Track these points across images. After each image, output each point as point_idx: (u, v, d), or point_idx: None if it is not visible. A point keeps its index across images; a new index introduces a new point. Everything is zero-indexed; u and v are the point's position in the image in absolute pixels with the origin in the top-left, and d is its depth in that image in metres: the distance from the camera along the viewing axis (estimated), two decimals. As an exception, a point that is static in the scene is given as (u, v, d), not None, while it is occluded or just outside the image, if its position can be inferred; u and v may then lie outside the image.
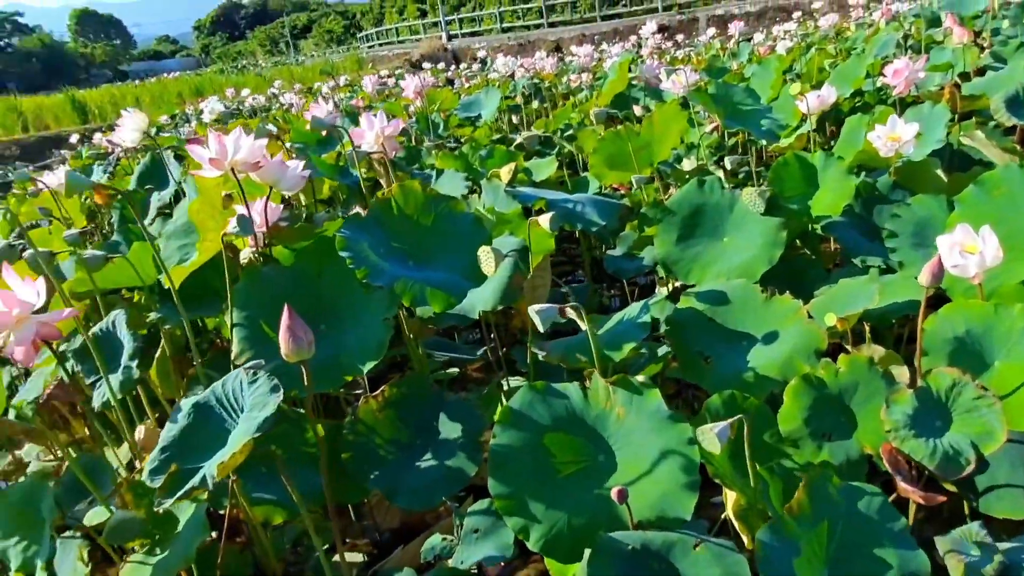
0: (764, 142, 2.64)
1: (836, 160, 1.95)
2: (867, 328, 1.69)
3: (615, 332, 1.57)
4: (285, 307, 1.04)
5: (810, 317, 1.52)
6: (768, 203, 1.89)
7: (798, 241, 2.16)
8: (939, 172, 2.02)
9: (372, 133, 2.22)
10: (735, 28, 6.45)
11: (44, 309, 1.12)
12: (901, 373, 1.36)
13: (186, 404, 1.09)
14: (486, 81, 6.74)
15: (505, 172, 2.40)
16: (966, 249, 1.33)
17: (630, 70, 3.53)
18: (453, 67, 15.33)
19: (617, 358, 1.46)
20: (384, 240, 1.61)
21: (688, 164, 2.77)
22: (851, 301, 1.61)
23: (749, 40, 6.94)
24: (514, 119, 5.11)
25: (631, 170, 2.45)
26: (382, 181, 2.35)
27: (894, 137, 1.93)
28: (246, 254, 1.82)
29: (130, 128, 2.66)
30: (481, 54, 13.49)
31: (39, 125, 22.76)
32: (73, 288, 1.80)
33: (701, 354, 1.58)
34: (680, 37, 12.97)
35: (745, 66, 4.63)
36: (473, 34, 25.46)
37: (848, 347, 1.53)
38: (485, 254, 1.48)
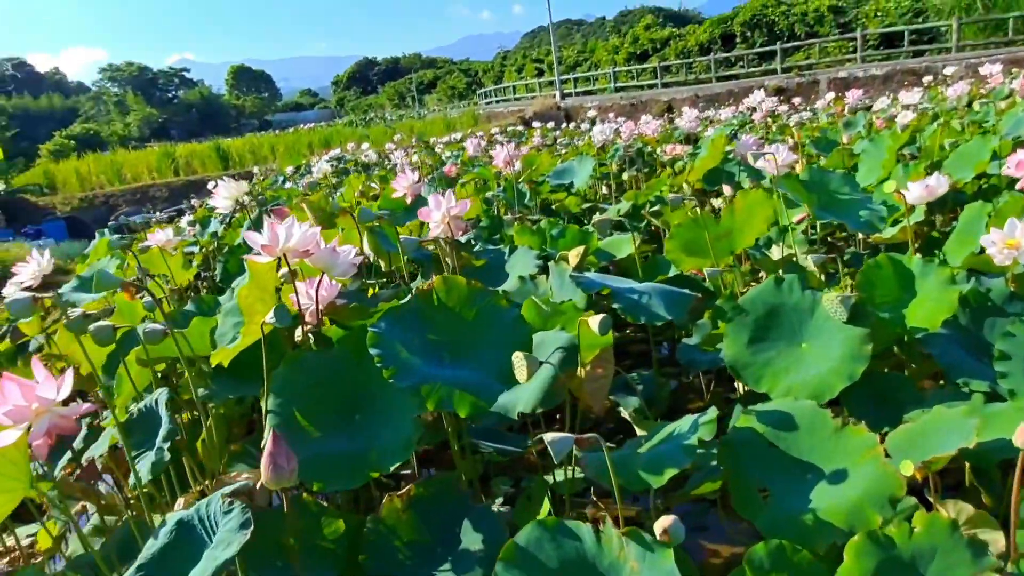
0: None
1: (936, 266, 1.73)
2: (967, 468, 1.45)
3: (659, 452, 1.43)
4: (270, 433, 1.00)
5: (888, 456, 1.32)
6: (853, 311, 1.69)
7: (896, 351, 1.93)
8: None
9: (439, 213, 2.21)
10: (851, 97, 6.14)
11: (69, 401, 1.14)
12: (995, 541, 1.14)
13: (171, 519, 1.07)
14: (579, 148, 6.72)
15: (573, 256, 2.32)
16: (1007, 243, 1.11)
17: (730, 141, 3.38)
18: (564, 125, 15.59)
19: (655, 484, 1.32)
20: (421, 334, 1.57)
21: (777, 252, 2.58)
22: (942, 437, 1.39)
23: (868, 108, 6.56)
24: (611, 187, 5.06)
25: (710, 258, 2.30)
26: (448, 260, 2.33)
27: (1012, 243, 1.69)
28: (299, 333, 1.84)
29: (223, 196, 2.81)
30: (591, 114, 13.63)
31: (188, 170, 25.11)
32: (139, 355, 1.88)
33: (758, 485, 1.40)
34: (797, 100, 12.54)
35: (857, 140, 4.34)
36: (587, 93, 25.90)
37: (933, 495, 1.30)
38: (518, 360, 1.39)
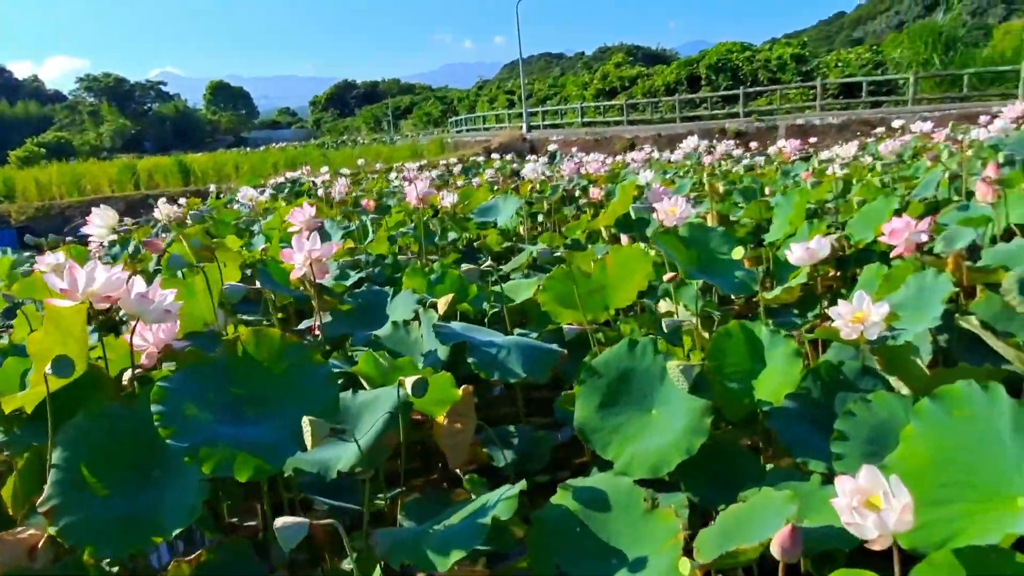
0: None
1: (783, 338, 1.67)
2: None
3: (453, 530, 1.32)
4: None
5: (693, 544, 1.23)
6: (696, 381, 1.62)
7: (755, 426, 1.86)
8: (919, 362, 1.70)
9: (301, 256, 2.11)
10: (790, 146, 6.22)
11: None
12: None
13: None
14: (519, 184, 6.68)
15: (442, 303, 2.24)
16: (867, 502, 1.04)
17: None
18: (530, 157, 15.66)
19: (441, 567, 1.21)
20: (224, 389, 1.45)
21: (665, 306, 2.52)
22: (761, 522, 1.31)
23: (807, 159, 6.66)
24: (541, 225, 5.01)
25: (588, 311, 2.23)
26: (314, 303, 2.23)
27: (859, 317, 1.64)
28: (128, 375, 1.71)
29: (98, 224, 2.67)
30: (552, 147, 13.71)
31: (149, 184, 24.60)
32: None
33: (559, 569, 1.31)
34: (755, 144, 12.76)
35: (779, 191, 4.36)
36: (555, 126, 26.18)
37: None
38: (306, 425, 1.29)
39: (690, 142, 5.56)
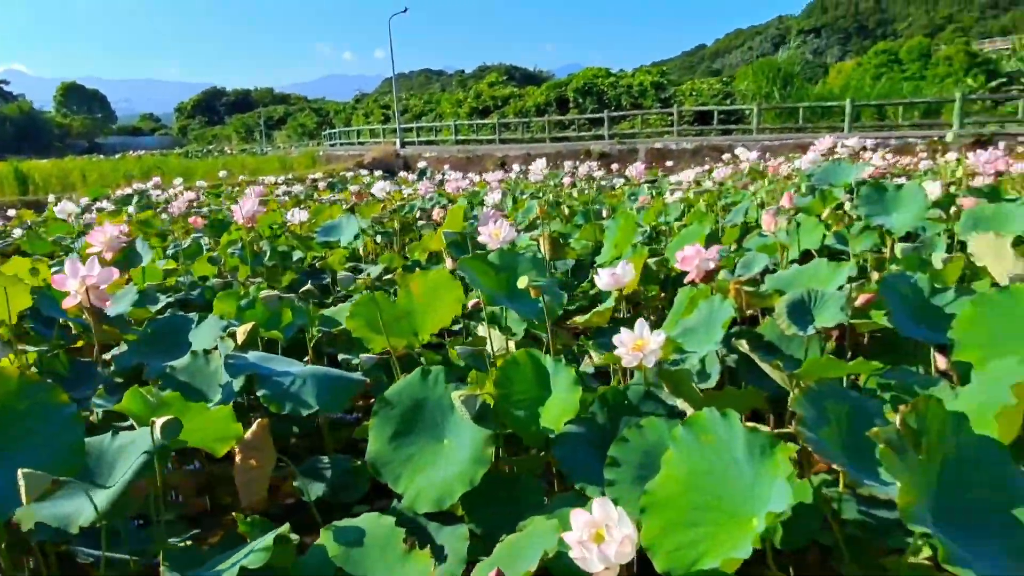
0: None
1: (564, 366, 1.70)
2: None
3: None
4: None
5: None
6: (481, 411, 1.61)
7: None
8: (694, 385, 1.78)
9: (75, 282, 1.92)
10: (634, 170, 6.52)
11: None
12: None
13: None
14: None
15: (241, 332, 2.11)
16: (595, 535, 1.05)
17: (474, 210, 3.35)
18: (402, 173, 15.49)
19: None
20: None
21: (483, 330, 2.52)
22: (531, 552, 1.31)
23: (653, 182, 7.02)
24: (386, 245, 4.92)
25: (398, 337, 2.18)
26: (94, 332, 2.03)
27: (639, 345, 1.70)
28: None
29: None
30: (421, 164, 13.61)
31: (-21, 192, 22.05)
32: None
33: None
34: (616, 166, 13.34)
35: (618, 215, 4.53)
36: (429, 143, 26.16)
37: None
38: (21, 479, 1.14)
39: (538, 165, 5.70)
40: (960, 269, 2.60)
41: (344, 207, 5.20)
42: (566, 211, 5.21)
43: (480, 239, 2.85)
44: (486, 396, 1.64)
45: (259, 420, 1.85)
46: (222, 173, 15.86)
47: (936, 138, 13.43)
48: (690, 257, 2.17)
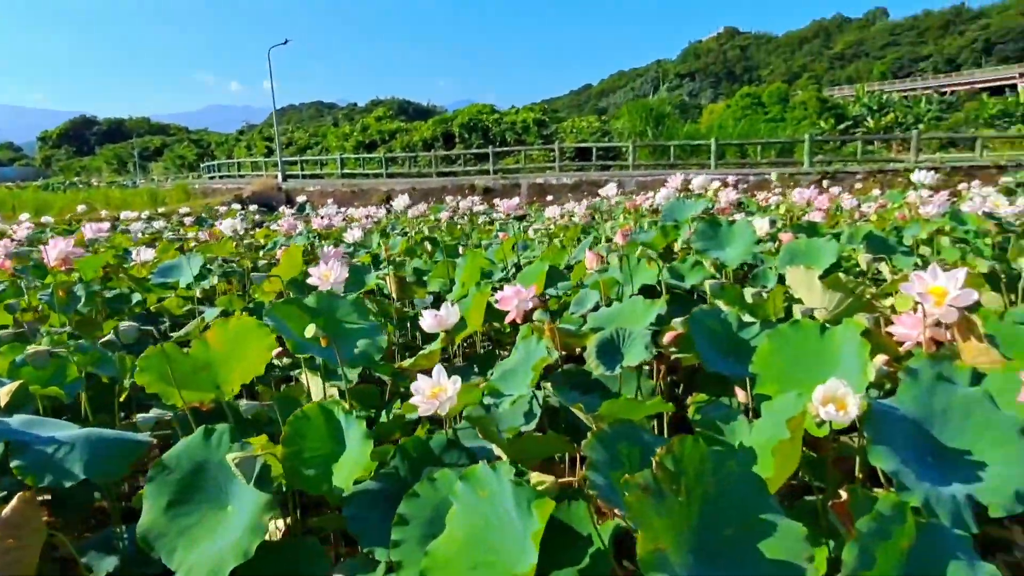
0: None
1: (356, 420, 1.62)
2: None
3: None
4: None
5: None
6: (261, 473, 1.50)
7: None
8: (495, 432, 1.74)
9: None
10: (504, 205, 6.59)
11: None
12: None
13: None
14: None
15: (5, 392, 1.89)
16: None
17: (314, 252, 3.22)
18: (282, 208, 14.96)
19: None
20: None
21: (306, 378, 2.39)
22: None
23: (522, 218, 7.13)
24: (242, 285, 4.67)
25: (199, 391, 2.02)
26: None
27: (435, 392, 1.64)
28: None
29: None
30: (301, 199, 13.21)
31: None
32: None
33: None
34: (498, 201, 13.51)
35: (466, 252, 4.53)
36: (314, 176, 25.56)
37: None
38: None
39: (401, 201, 5.65)
40: (781, 301, 2.75)
41: (195, 245, 4.90)
42: (428, 247, 5.17)
43: (310, 280, 2.74)
44: (268, 456, 1.53)
45: (20, 494, 1.64)
46: (81, 207, 14.73)
47: (788, 175, 14.56)
48: (508, 298, 2.16)
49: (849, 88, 57.04)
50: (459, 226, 7.65)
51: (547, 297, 2.99)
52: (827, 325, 1.94)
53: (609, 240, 3.78)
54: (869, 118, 35.98)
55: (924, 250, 4.07)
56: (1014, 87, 59.73)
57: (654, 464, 1.28)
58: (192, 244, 5.58)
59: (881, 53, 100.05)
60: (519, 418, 2.07)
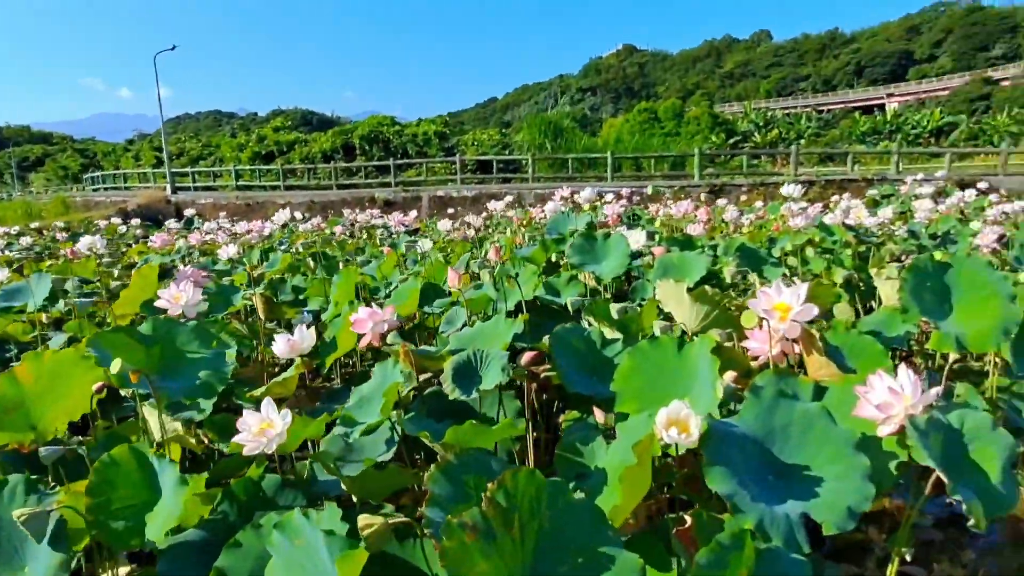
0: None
1: (170, 464, 1.46)
2: None
3: None
4: None
5: None
6: (56, 531, 1.31)
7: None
8: (334, 466, 1.63)
9: None
10: (393, 219, 6.45)
11: None
12: None
13: None
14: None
15: None
16: None
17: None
18: (168, 221, 14.09)
19: None
20: None
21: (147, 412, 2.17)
22: None
23: (415, 232, 7.01)
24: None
25: (12, 431, 1.79)
26: None
27: (264, 427, 1.51)
28: None
29: None
30: (189, 212, 12.47)
31: None
32: None
33: None
34: (393, 214, 13.30)
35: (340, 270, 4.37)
36: (207, 188, 24.34)
37: None
38: None
39: (281, 215, 5.40)
40: (655, 316, 2.76)
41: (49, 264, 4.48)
42: (311, 263, 4.96)
43: (158, 303, 2.52)
44: (62, 509, 1.34)
45: None
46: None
47: (679, 187, 15.16)
48: (362, 320, 2.04)
49: (738, 105, 60.42)
50: (352, 240, 7.42)
51: (402, 321, 2.89)
52: (684, 341, 1.95)
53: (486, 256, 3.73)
54: (756, 133, 38.14)
55: (793, 261, 4.25)
56: (883, 106, 65.11)
57: (484, 501, 1.21)
58: (48, 263, 5.12)
59: (767, 73, 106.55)
60: (379, 448, 1.96)
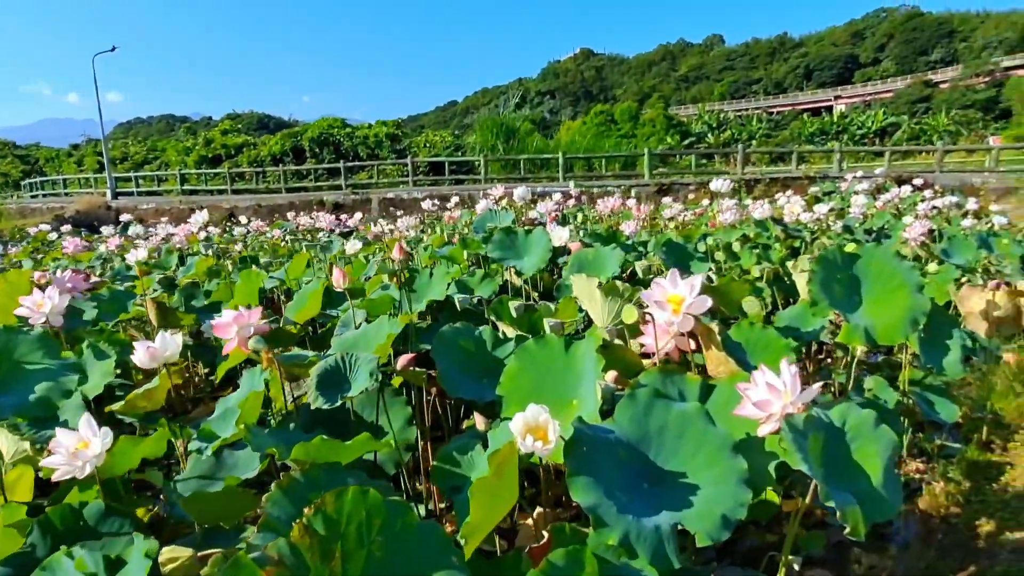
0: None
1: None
2: None
3: None
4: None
5: None
6: None
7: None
8: (171, 487, 1.46)
9: None
10: (323, 220, 6.26)
11: None
12: None
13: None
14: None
15: None
16: None
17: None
18: (104, 228, 13.52)
19: None
20: None
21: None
22: None
23: (348, 234, 6.81)
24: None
25: None
26: None
27: (79, 449, 1.33)
28: None
29: None
30: (125, 217, 11.98)
31: None
32: None
33: None
34: (345, 217, 13.01)
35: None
36: (151, 193, 23.56)
37: None
38: None
39: (199, 217, 5.16)
40: (575, 311, 2.64)
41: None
42: (229, 267, 4.73)
43: (19, 312, 2.31)
44: None
45: None
46: None
47: (628, 187, 15.20)
48: (225, 324, 1.86)
49: (693, 107, 61.36)
50: (284, 244, 7.18)
51: (268, 322, 2.71)
52: (571, 340, 1.82)
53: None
54: (710, 134, 38.74)
55: (721, 256, 4.19)
56: (830, 108, 66.88)
57: (297, 529, 1.05)
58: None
59: (720, 76, 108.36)
60: (246, 465, 1.78)
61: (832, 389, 2.76)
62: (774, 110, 67.35)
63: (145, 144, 31.53)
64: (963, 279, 3.91)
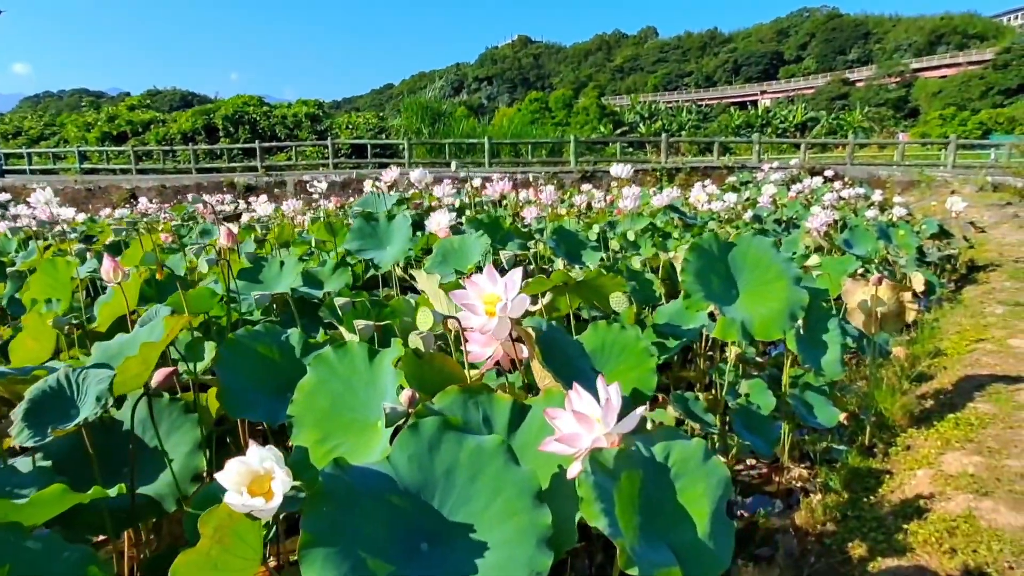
0: None
1: None
2: None
3: None
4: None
5: None
6: None
7: None
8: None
9: None
10: (208, 206, 5.72)
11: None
12: None
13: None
14: None
15: None
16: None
17: None
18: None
19: None
20: None
21: None
22: None
23: (236, 218, 6.30)
24: None
25: None
26: None
27: None
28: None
29: None
30: (4, 196, 10.92)
31: None
32: None
33: None
34: (260, 198, 12.30)
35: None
36: (47, 172, 21.83)
37: None
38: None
39: (40, 195, 4.57)
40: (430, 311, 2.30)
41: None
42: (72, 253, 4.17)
43: None
44: None
45: None
46: None
47: (552, 173, 15.00)
48: None
49: (627, 97, 62.00)
50: (161, 230, 6.56)
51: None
52: (376, 349, 1.49)
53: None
54: (641, 124, 39.14)
55: (616, 244, 3.95)
56: (756, 103, 68.81)
57: None
58: None
59: (654, 68, 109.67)
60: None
61: (714, 393, 2.54)
62: (703, 103, 68.71)
63: (43, 119, 29.10)
64: (859, 270, 3.78)
